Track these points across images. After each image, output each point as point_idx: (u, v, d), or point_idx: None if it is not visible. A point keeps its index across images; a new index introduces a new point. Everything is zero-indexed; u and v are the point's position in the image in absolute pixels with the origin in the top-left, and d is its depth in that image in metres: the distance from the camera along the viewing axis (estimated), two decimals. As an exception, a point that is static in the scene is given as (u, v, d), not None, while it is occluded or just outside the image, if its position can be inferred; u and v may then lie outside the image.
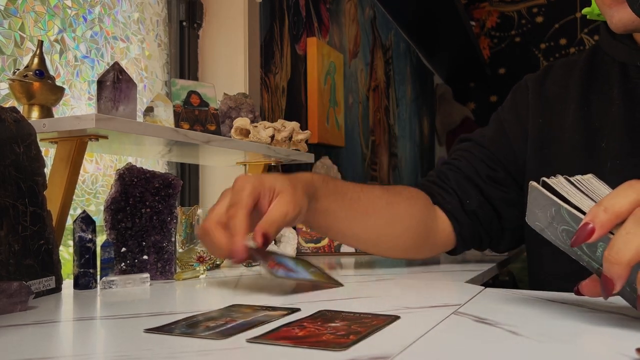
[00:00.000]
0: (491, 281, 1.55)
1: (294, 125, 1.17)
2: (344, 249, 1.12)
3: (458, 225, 0.80)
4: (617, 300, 0.49)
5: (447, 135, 3.60)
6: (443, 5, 2.42)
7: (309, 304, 0.53)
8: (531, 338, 0.39)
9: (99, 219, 0.99)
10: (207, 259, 0.82)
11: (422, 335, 0.40)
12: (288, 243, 1.01)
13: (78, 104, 1.04)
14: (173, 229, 0.75)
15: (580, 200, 0.42)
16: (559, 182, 0.43)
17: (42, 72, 0.79)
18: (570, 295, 0.55)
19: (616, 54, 0.76)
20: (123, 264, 0.72)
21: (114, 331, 0.44)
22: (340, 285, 0.64)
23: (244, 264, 0.62)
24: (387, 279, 0.72)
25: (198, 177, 1.38)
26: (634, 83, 0.73)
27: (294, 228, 1.13)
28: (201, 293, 0.64)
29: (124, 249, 0.72)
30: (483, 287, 0.62)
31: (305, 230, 1.17)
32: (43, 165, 0.64)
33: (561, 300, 0.53)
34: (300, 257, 0.64)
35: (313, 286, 0.63)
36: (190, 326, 0.44)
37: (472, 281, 0.76)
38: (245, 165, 1.27)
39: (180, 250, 0.89)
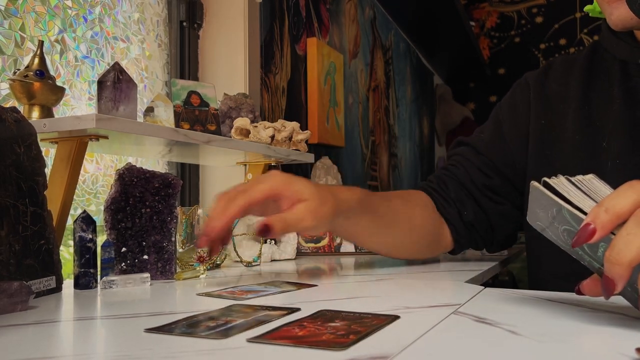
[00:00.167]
0: (491, 281, 1.55)
1: (294, 125, 1.17)
2: (344, 248, 1.12)
3: (456, 234, 0.85)
4: (618, 300, 0.49)
5: (447, 136, 3.60)
6: (443, 5, 2.42)
7: (309, 303, 0.53)
8: (531, 338, 0.39)
9: (99, 219, 1.00)
10: (207, 258, 0.82)
11: (422, 335, 0.40)
12: (288, 243, 1.01)
13: (78, 104, 1.04)
14: (173, 229, 0.75)
15: (582, 201, 0.42)
16: (560, 182, 0.43)
17: (42, 72, 0.79)
18: (570, 295, 0.55)
19: (617, 51, 0.75)
20: (123, 263, 0.72)
21: (115, 331, 0.44)
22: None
23: (211, 253, 0.64)
24: (387, 279, 0.72)
25: (198, 177, 1.38)
26: (635, 81, 0.73)
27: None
28: (201, 293, 0.64)
29: (124, 249, 0.72)
30: (483, 287, 0.62)
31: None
32: (43, 165, 0.64)
33: (561, 300, 0.53)
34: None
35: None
36: (190, 326, 0.44)
37: (472, 281, 0.77)
38: (245, 165, 1.27)
39: (181, 250, 0.89)
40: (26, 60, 0.89)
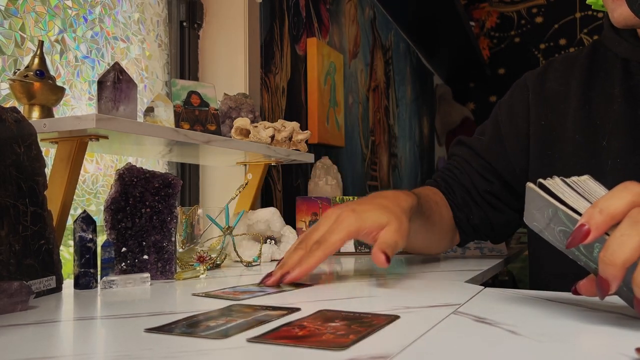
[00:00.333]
0: (491, 281, 1.55)
1: (294, 125, 1.17)
2: (344, 248, 1.12)
3: (464, 235, 0.89)
4: (617, 300, 0.49)
5: (447, 136, 3.60)
6: (443, 5, 2.42)
7: (309, 303, 0.53)
8: (530, 338, 0.39)
9: (99, 219, 1.00)
10: (207, 258, 0.82)
11: (422, 335, 0.40)
12: (288, 243, 1.01)
13: (78, 104, 1.04)
14: (173, 229, 0.75)
15: (576, 202, 0.42)
16: (555, 183, 0.44)
17: (42, 73, 0.79)
18: (569, 295, 0.55)
19: (619, 50, 0.75)
20: (123, 263, 0.72)
21: (115, 331, 0.44)
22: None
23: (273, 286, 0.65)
24: (387, 279, 0.72)
25: (198, 177, 1.38)
26: (636, 80, 0.72)
27: (294, 228, 1.13)
28: (199, 293, 0.64)
29: (124, 249, 0.72)
30: (483, 287, 0.62)
31: (305, 230, 1.17)
32: (43, 165, 0.64)
33: (560, 300, 0.53)
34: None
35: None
36: (190, 326, 0.44)
37: (472, 281, 0.77)
38: (245, 165, 1.27)
39: (181, 250, 0.89)
40: (26, 61, 0.89)
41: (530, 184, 0.45)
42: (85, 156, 0.80)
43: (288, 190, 1.55)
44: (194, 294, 0.61)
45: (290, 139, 1.17)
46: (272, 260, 1.00)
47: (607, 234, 0.40)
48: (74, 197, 0.80)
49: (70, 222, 0.81)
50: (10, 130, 0.59)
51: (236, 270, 0.86)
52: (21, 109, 0.79)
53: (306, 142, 1.22)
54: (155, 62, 1.28)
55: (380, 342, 0.38)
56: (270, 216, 1.01)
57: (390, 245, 0.62)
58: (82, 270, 0.66)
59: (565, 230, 0.43)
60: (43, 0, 0.98)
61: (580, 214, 0.41)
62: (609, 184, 0.43)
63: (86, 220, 0.67)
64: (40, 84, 0.78)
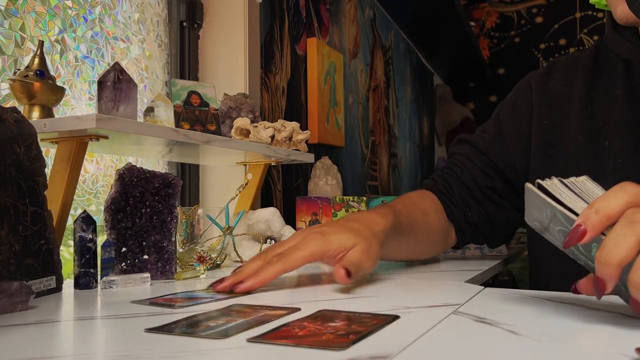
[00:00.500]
0: (491, 281, 1.55)
1: (294, 125, 1.17)
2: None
3: (461, 233, 0.87)
4: (616, 300, 0.49)
5: (447, 136, 3.60)
6: (443, 5, 2.42)
7: (309, 303, 0.53)
8: (530, 337, 0.39)
9: (100, 219, 1.00)
10: (207, 258, 0.82)
11: (422, 334, 0.40)
12: (288, 243, 1.01)
13: (78, 104, 1.04)
14: (173, 229, 0.75)
15: (574, 202, 0.43)
16: (553, 184, 0.44)
17: (42, 73, 0.79)
18: (569, 295, 0.55)
19: (621, 50, 0.75)
20: (123, 263, 0.72)
21: (115, 331, 0.44)
22: None
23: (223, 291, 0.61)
24: (387, 279, 0.72)
25: (198, 177, 1.38)
26: (638, 81, 0.72)
27: (294, 228, 1.13)
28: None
29: (124, 249, 0.72)
30: (483, 287, 0.62)
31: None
32: (44, 165, 0.64)
33: (560, 300, 0.53)
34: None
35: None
36: (190, 326, 0.44)
37: (472, 281, 0.77)
38: (245, 165, 1.27)
39: (181, 250, 0.89)
40: (26, 61, 0.89)
41: (529, 185, 0.46)
42: (85, 156, 0.80)
43: (288, 190, 1.55)
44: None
45: (290, 139, 1.17)
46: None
47: (603, 234, 0.40)
48: (74, 197, 0.80)
49: (70, 222, 0.81)
50: (10, 130, 0.59)
51: (236, 270, 0.86)
52: (21, 109, 0.79)
53: (306, 142, 1.22)
54: (155, 62, 1.28)
55: (380, 342, 0.38)
56: (270, 216, 1.01)
57: (354, 264, 0.60)
58: (82, 270, 0.66)
59: (564, 230, 0.43)
60: (43, 0, 0.98)
61: (577, 215, 0.41)
62: (611, 184, 0.43)
63: (86, 220, 0.67)
64: (41, 84, 0.78)
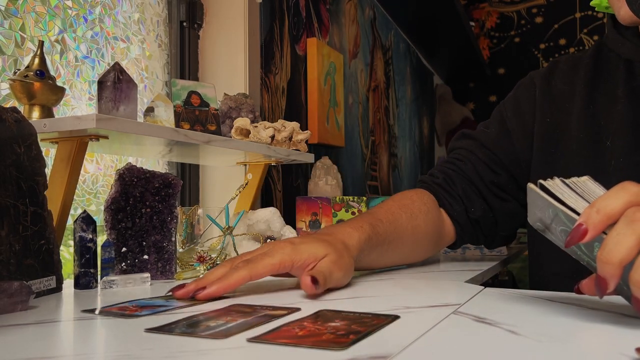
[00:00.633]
0: (491, 281, 1.55)
1: (294, 125, 1.17)
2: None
3: (461, 230, 0.84)
4: (617, 300, 0.49)
5: (447, 136, 3.60)
6: (443, 5, 2.42)
7: (309, 303, 0.53)
8: (531, 338, 0.39)
9: (100, 219, 1.00)
10: (207, 258, 0.82)
11: (422, 334, 0.40)
12: (288, 243, 1.01)
13: (78, 104, 1.04)
14: (173, 229, 0.75)
15: (576, 202, 0.43)
16: (555, 184, 0.44)
17: (42, 73, 0.79)
18: (569, 295, 0.55)
19: (622, 51, 0.76)
20: (123, 263, 0.72)
21: (115, 331, 0.44)
22: None
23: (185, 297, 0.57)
24: (387, 279, 0.72)
25: (198, 177, 1.38)
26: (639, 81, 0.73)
27: (294, 228, 1.13)
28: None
29: (124, 249, 0.72)
30: (483, 287, 0.62)
31: (305, 230, 1.17)
32: (44, 165, 0.64)
33: (560, 300, 0.53)
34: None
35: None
36: (190, 326, 0.44)
37: (472, 281, 0.77)
38: (245, 165, 1.27)
39: (181, 250, 0.89)
40: (26, 61, 0.89)
41: (531, 185, 0.46)
42: (85, 156, 0.80)
43: (288, 190, 1.55)
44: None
45: (290, 139, 1.17)
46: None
47: (604, 233, 0.40)
48: (74, 197, 0.80)
49: (70, 222, 0.81)
50: (10, 130, 0.59)
51: (236, 270, 0.86)
52: (21, 109, 0.79)
53: (306, 142, 1.22)
54: (155, 62, 1.28)
55: (380, 342, 0.38)
56: (270, 216, 1.01)
57: (322, 273, 0.57)
58: (82, 270, 0.66)
59: (566, 230, 0.43)
60: (43, 0, 0.98)
61: (579, 214, 0.42)
62: (612, 183, 0.44)
63: (86, 220, 0.67)
64: (41, 84, 0.78)
